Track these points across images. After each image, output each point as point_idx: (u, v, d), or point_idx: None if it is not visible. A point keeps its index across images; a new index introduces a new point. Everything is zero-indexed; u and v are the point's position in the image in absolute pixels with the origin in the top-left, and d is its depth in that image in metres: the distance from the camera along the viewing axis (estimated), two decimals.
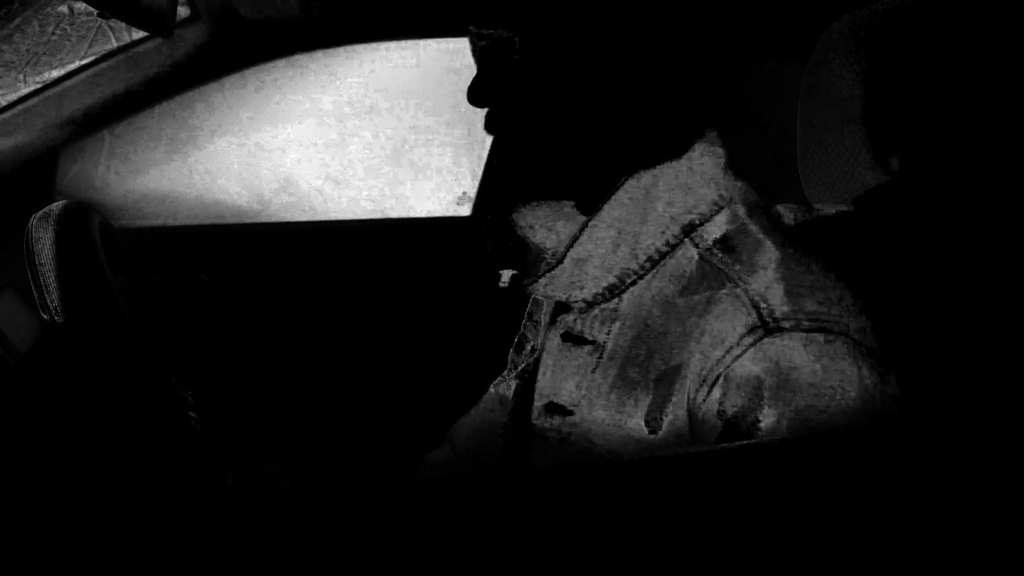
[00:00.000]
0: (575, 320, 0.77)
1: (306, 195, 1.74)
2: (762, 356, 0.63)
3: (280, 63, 1.48)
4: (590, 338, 0.75)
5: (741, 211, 0.72)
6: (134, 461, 0.77)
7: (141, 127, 1.66)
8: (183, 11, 1.07)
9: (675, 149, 0.72)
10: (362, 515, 0.50)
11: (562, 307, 0.80)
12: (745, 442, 0.63)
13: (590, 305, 0.75)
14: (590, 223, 0.73)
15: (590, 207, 0.74)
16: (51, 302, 0.78)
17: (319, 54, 1.63)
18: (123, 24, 1.05)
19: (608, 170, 0.73)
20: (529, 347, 0.85)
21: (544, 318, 0.81)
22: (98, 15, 0.95)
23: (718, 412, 0.65)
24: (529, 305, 0.89)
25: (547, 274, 0.75)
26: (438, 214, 1.72)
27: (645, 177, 0.72)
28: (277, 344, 1.45)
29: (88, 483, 0.77)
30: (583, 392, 0.74)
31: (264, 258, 1.51)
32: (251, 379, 1.38)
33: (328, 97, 1.71)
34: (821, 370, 0.62)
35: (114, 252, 0.88)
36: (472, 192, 1.65)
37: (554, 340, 0.79)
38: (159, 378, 0.79)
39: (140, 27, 1.01)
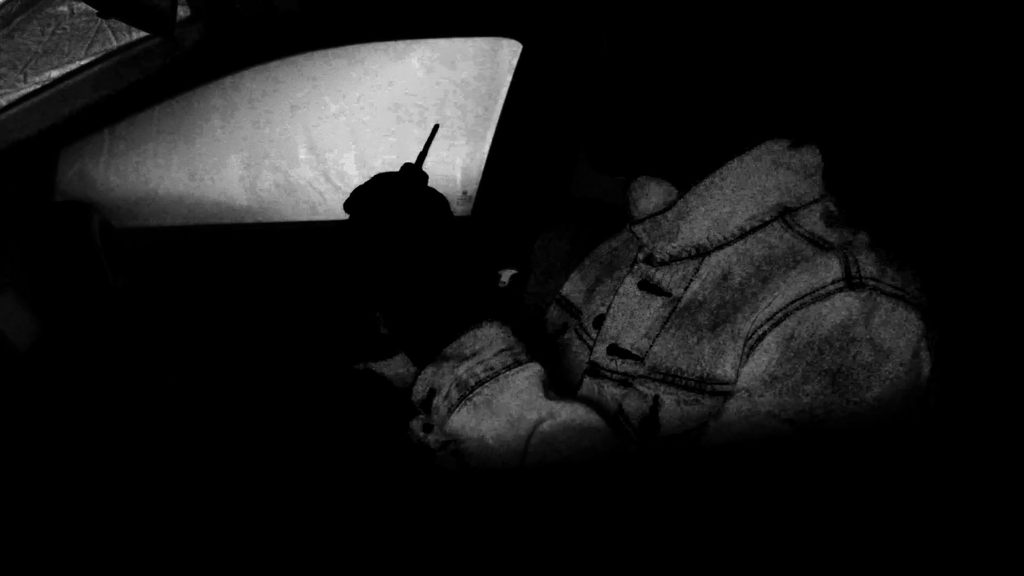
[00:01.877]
0: (655, 271, 0.79)
1: (306, 195, 1.74)
2: (838, 305, 0.65)
3: (280, 63, 1.48)
4: (667, 290, 0.77)
5: (832, 207, 0.75)
6: (134, 461, 0.77)
7: (141, 127, 1.66)
8: (183, 11, 1.07)
9: (779, 135, 0.76)
10: (362, 515, 0.50)
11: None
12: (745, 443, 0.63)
13: (673, 259, 0.78)
14: (700, 185, 0.76)
15: (693, 173, 0.77)
16: (51, 302, 0.78)
17: (319, 54, 1.63)
18: (123, 24, 1.05)
19: (718, 152, 0.76)
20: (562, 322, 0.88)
21: (632, 266, 0.83)
22: (98, 15, 0.95)
23: (768, 352, 0.67)
24: (580, 267, 0.92)
25: (652, 217, 0.78)
26: None
27: (750, 158, 0.75)
28: (276, 344, 1.45)
29: (88, 483, 0.77)
30: (651, 340, 0.76)
31: (264, 258, 1.51)
32: (250, 379, 1.38)
33: (328, 97, 1.71)
34: (887, 330, 0.65)
35: (114, 252, 0.88)
36: (472, 192, 1.65)
37: (631, 286, 0.81)
38: (159, 377, 0.79)
39: (140, 27, 1.01)
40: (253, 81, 1.66)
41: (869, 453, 0.60)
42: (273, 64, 1.36)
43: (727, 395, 0.68)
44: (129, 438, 0.78)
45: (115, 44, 1.08)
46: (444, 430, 0.72)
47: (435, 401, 0.72)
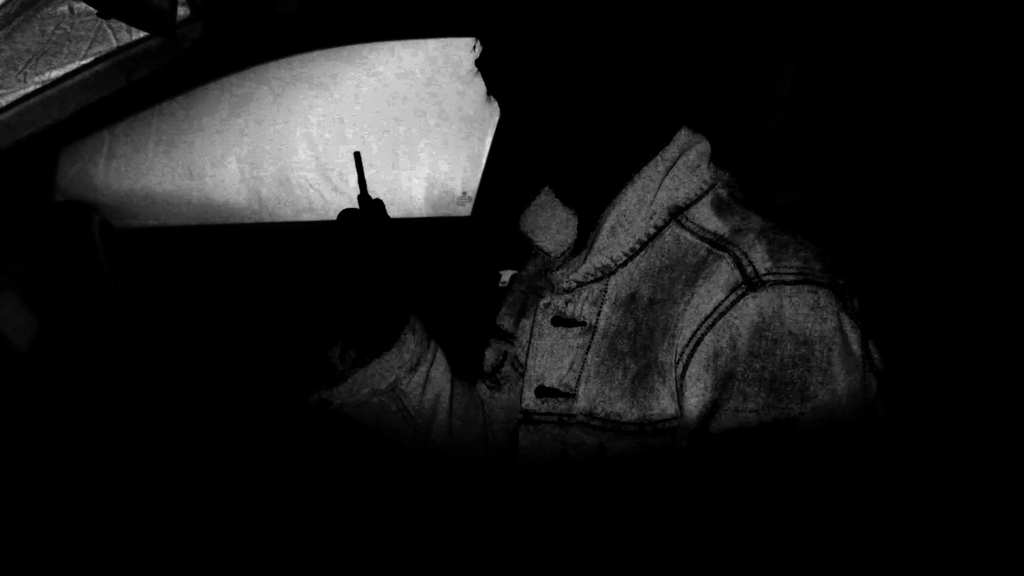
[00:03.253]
0: (565, 304, 0.79)
1: (306, 195, 1.74)
2: (746, 311, 0.65)
3: (280, 63, 1.48)
4: (580, 319, 0.77)
5: (724, 193, 0.75)
6: (134, 461, 0.77)
7: (141, 127, 1.66)
8: (183, 11, 1.06)
9: (660, 144, 0.75)
10: (361, 515, 0.50)
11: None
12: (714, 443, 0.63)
13: (580, 285, 0.77)
14: (602, 215, 0.75)
15: (595, 200, 0.77)
16: (51, 302, 0.78)
17: (318, 54, 1.63)
18: (123, 24, 1.05)
19: (601, 171, 0.75)
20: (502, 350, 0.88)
21: (540, 302, 0.82)
22: (98, 15, 0.95)
23: (700, 371, 0.66)
24: (508, 295, 0.92)
25: (567, 263, 0.78)
26: (438, 214, 1.72)
27: (645, 170, 0.75)
28: (276, 344, 1.45)
29: (88, 483, 0.77)
30: (576, 373, 0.75)
31: (264, 258, 1.51)
32: (249, 378, 1.38)
33: (328, 97, 1.71)
34: (803, 318, 0.64)
35: (114, 252, 0.88)
36: (472, 192, 1.65)
37: (545, 325, 0.80)
38: (159, 377, 0.79)
39: (140, 27, 1.01)
40: (253, 81, 1.66)
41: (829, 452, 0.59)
42: (273, 64, 1.36)
43: (674, 430, 0.67)
44: (129, 438, 0.78)
45: (115, 44, 1.08)
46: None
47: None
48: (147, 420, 0.79)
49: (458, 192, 1.72)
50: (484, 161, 1.57)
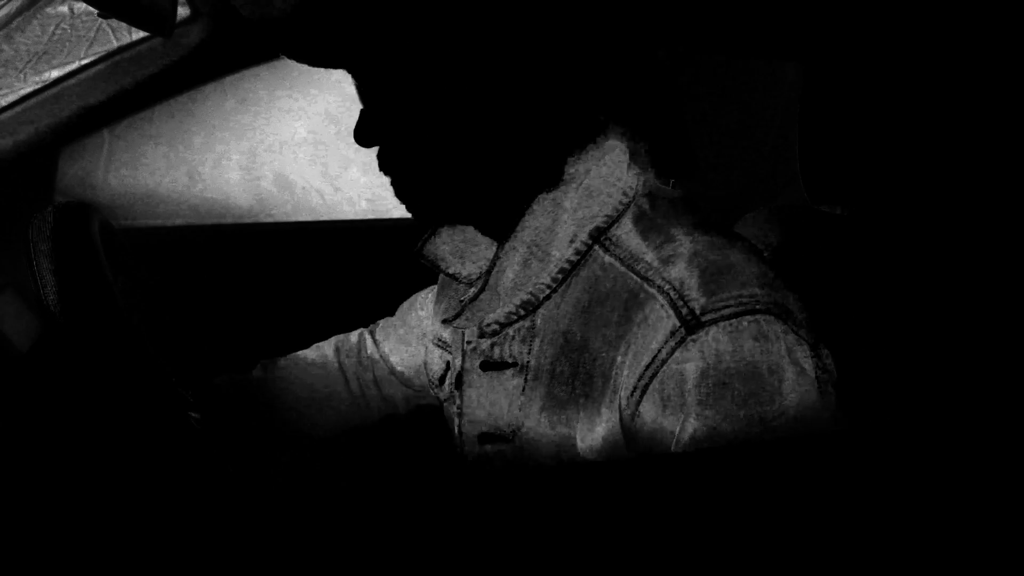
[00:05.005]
0: (491, 346, 0.74)
1: (306, 195, 1.74)
2: (688, 356, 0.61)
3: (280, 63, 1.48)
4: (511, 360, 0.72)
5: (646, 206, 0.70)
6: (134, 461, 0.77)
7: (141, 127, 1.66)
8: (183, 11, 1.06)
9: (568, 155, 0.69)
10: (361, 514, 0.50)
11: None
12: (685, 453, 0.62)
13: (504, 326, 0.72)
14: (505, 244, 0.70)
15: (500, 228, 0.72)
16: (51, 302, 0.77)
17: None
18: (123, 24, 1.05)
19: (506, 189, 0.70)
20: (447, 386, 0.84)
21: (462, 349, 0.77)
22: (98, 15, 0.95)
23: (650, 422, 0.63)
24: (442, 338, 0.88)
25: (470, 306, 0.72)
26: None
27: (551, 190, 0.69)
28: (276, 344, 1.45)
29: (88, 483, 0.77)
30: (516, 415, 0.71)
31: (264, 258, 1.51)
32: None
33: (327, 97, 1.71)
34: (747, 353, 0.61)
35: (114, 252, 0.88)
36: None
37: (474, 373, 0.76)
38: (159, 378, 0.79)
39: (140, 27, 1.01)
40: (253, 81, 1.66)
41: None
42: (273, 64, 1.36)
43: None
44: (129, 438, 0.78)
45: (115, 44, 1.08)
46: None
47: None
48: (147, 420, 0.79)
49: None
50: None
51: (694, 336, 0.61)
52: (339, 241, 1.54)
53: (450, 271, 0.78)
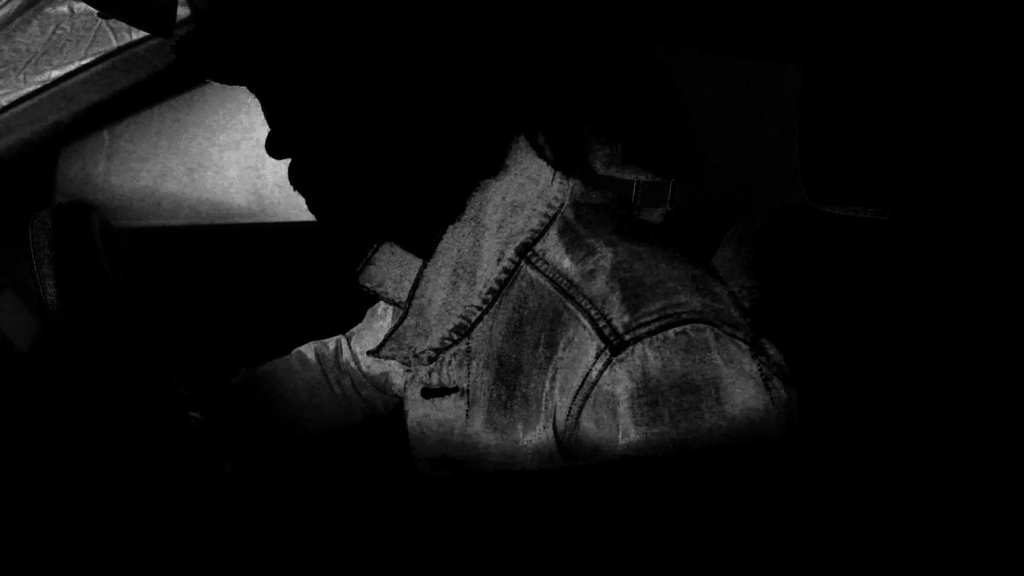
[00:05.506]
0: (429, 373, 0.72)
1: None
2: (616, 377, 0.59)
3: None
4: (451, 386, 0.70)
5: (571, 215, 0.67)
6: (134, 461, 0.77)
7: (141, 127, 1.66)
8: (183, 11, 1.06)
9: (489, 170, 0.66)
10: (360, 513, 0.50)
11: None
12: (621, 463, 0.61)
13: (439, 352, 0.70)
14: (426, 267, 0.67)
15: (422, 249, 0.69)
16: (51, 302, 0.77)
17: None
18: (123, 24, 1.05)
19: (425, 206, 0.67)
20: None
21: (400, 381, 0.76)
22: (98, 15, 0.95)
23: (589, 448, 0.61)
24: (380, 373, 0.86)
25: (392, 335, 0.70)
26: None
27: (470, 207, 0.66)
28: (276, 344, 1.45)
29: (88, 483, 0.77)
30: (463, 441, 0.69)
31: (264, 258, 1.51)
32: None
33: None
34: (678, 366, 0.58)
35: (114, 252, 0.88)
36: None
37: (416, 400, 0.74)
38: (159, 378, 0.79)
39: (140, 27, 1.01)
40: None
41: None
42: None
43: None
44: (129, 438, 0.78)
45: (115, 44, 1.08)
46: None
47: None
48: (148, 420, 0.79)
49: None
50: None
51: (620, 356, 0.59)
52: (338, 241, 1.53)
53: (389, 296, 0.76)
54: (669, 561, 0.48)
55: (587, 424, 0.61)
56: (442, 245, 0.67)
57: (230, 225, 1.68)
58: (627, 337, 0.59)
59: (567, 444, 0.63)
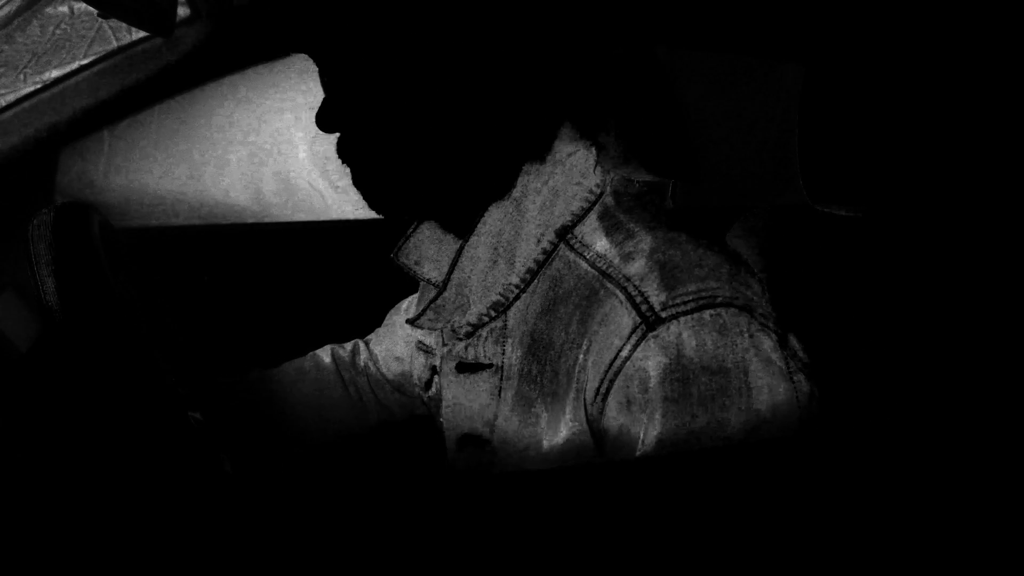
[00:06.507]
0: (466, 348, 0.74)
1: (306, 195, 1.74)
2: (650, 353, 0.60)
3: (280, 63, 1.48)
4: (486, 362, 0.71)
5: (610, 202, 0.69)
6: (134, 461, 0.77)
7: (141, 127, 1.66)
8: (183, 11, 1.06)
9: (533, 154, 0.69)
10: (360, 513, 0.50)
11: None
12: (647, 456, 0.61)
13: (476, 328, 0.72)
14: (467, 243, 0.69)
15: (463, 228, 0.71)
16: (51, 302, 0.77)
17: None
18: (123, 24, 1.05)
19: (468, 188, 0.69)
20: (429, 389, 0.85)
21: (441, 349, 0.77)
22: (98, 15, 0.95)
23: (616, 425, 0.62)
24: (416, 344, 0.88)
25: (431, 305, 0.72)
26: None
27: (514, 190, 0.68)
28: (276, 344, 1.45)
29: (88, 483, 0.77)
30: (491, 419, 0.71)
31: (264, 258, 1.51)
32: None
33: None
34: (711, 347, 0.59)
35: (114, 252, 0.88)
36: None
37: (449, 374, 0.75)
38: (159, 377, 0.79)
39: (140, 27, 1.01)
40: (253, 81, 1.66)
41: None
42: (273, 64, 1.36)
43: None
44: (129, 438, 0.78)
45: (115, 44, 1.08)
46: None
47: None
48: (148, 420, 0.79)
49: None
50: None
51: (655, 332, 0.60)
52: (339, 241, 1.53)
53: (424, 275, 0.77)
54: (682, 547, 0.48)
55: (616, 399, 0.62)
56: (484, 223, 0.68)
57: (230, 225, 1.68)
58: (663, 315, 0.61)
59: (594, 419, 0.64)
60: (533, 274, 0.69)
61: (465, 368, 0.73)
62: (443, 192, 0.70)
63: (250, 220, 1.71)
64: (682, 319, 0.60)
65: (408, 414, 1.06)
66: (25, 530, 0.55)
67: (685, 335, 0.60)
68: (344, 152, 0.71)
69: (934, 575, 0.49)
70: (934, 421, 0.70)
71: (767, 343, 0.61)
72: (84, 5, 1.02)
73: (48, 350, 0.95)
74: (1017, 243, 0.81)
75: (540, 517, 0.50)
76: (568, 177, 0.68)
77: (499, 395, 0.70)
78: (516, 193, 0.68)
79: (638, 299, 0.62)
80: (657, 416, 0.60)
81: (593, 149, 0.70)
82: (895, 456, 0.55)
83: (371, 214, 1.95)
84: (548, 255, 0.69)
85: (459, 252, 0.70)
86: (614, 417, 0.62)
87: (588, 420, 0.65)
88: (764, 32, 0.85)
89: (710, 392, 0.59)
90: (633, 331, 0.61)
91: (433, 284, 0.78)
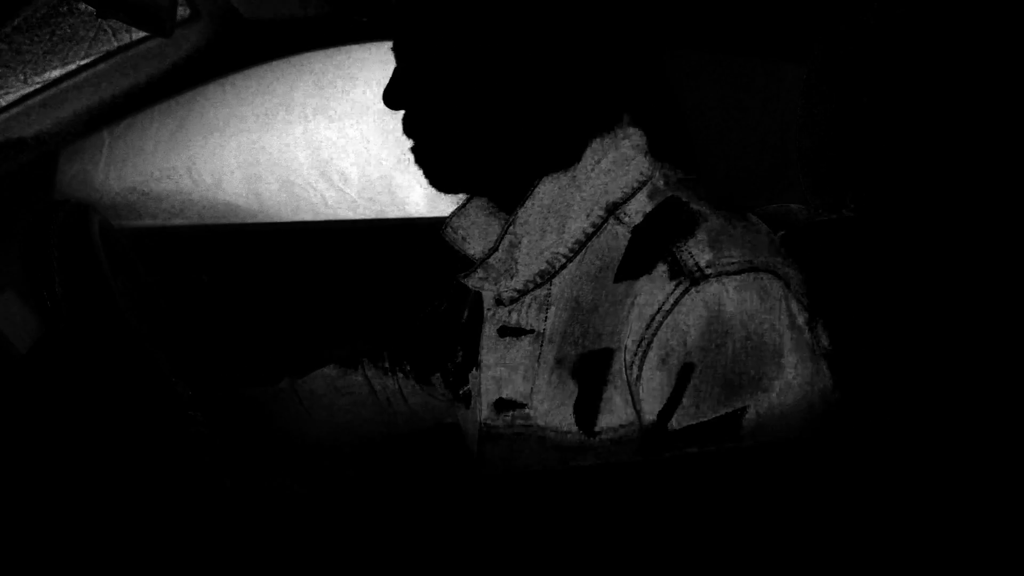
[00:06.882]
0: (509, 312, 0.76)
1: (306, 195, 1.74)
2: (690, 306, 0.63)
3: (280, 63, 1.48)
4: (528, 327, 0.74)
5: (660, 184, 0.72)
6: (134, 461, 0.77)
7: (141, 127, 1.66)
8: (183, 11, 1.06)
9: (602, 130, 0.73)
10: (360, 515, 0.50)
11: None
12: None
13: (522, 294, 0.75)
14: (520, 210, 0.72)
15: (516, 203, 0.74)
16: (51, 302, 0.78)
17: (319, 54, 1.63)
18: (123, 24, 1.05)
19: (528, 164, 0.73)
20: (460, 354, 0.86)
21: (486, 313, 0.80)
22: (97, 15, 0.95)
23: (652, 375, 0.65)
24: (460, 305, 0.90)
25: (483, 264, 0.75)
26: (438, 214, 1.72)
27: (571, 168, 0.72)
28: (276, 344, 1.45)
29: (88, 483, 0.77)
30: (530, 382, 0.73)
31: (264, 258, 1.51)
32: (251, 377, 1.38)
33: (328, 97, 1.71)
34: (750, 308, 0.62)
35: (114, 252, 0.88)
36: None
37: (491, 337, 0.78)
38: (159, 377, 0.79)
39: (140, 27, 1.01)
40: (253, 81, 1.66)
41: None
42: (273, 64, 1.36)
43: (627, 434, 0.66)
44: (129, 438, 0.78)
45: (115, 44, 1.08)
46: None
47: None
48: (148, 420, 0.79)
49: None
50: None
51: (698, 287, 0.63)
52: (339, 241, 1.54)
53: (468, 251, 0.80)
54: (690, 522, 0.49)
55: (656, 352, 0.64)
56: (537, 194, 0.72)
57: (230, 225, 1.68)
58: (708, 271, 0.63)
59: (632, 373, 0.66)
60: (581, 245, 0.72)
61: (507, 332, 0.76)
62: (502, 168, 0.73)
63: (250, 220, 1.71)
64: (725, 278, 0.63)
65: (437, 421, 1.06)
66: (25, 530, 0.55)
67: (728, 291, 0.63)
68: (410, 127, 0.75)
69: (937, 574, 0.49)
70: (934, 421, 0.70)
71: (801, 319, 0.64)
72: (84, 5, 1.02)
73: (48, 350, 0.95)
74: (1017, 243, 0.81)
75: (558, 516, 0.51)
76: (621, 160, 0.72)
77: (538, 360, 0.73)
78: (572, 171, 0.72)
79: (683, 256, 0.65)
80: (693, 366, 0.63)
81: (644, 139, 0.74)
82: (899, 457, 0.55)
83: (371, 214, 1.95)
84: (597, 228, 0.71)
85: (512, 217, 0.73)
86: (652, 368, 0.65)
87: (627, 374, 0.67)
88: (764, 32, 0.86)
89: (745, 351, 0.62)
90: (677, 286, 0.64)
91: (475, 261, 0.80)
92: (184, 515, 0.52)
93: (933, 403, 0.70)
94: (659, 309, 0.64)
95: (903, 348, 0.76)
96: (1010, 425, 0.60)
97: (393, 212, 1.72)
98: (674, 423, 0.63)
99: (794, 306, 0.64)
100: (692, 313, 0.63)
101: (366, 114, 1.72)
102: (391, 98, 0.73)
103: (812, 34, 0.83)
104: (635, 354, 0.66)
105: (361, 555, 0.49)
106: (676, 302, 0.64)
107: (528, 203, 0.72)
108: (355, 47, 1.63)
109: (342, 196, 1.72)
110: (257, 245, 1.53)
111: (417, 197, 1.74)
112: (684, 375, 0.63)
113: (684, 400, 0.63)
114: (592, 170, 0.72)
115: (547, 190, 0.72)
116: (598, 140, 0.72)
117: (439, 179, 0.75)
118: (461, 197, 0.82)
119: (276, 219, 1.72)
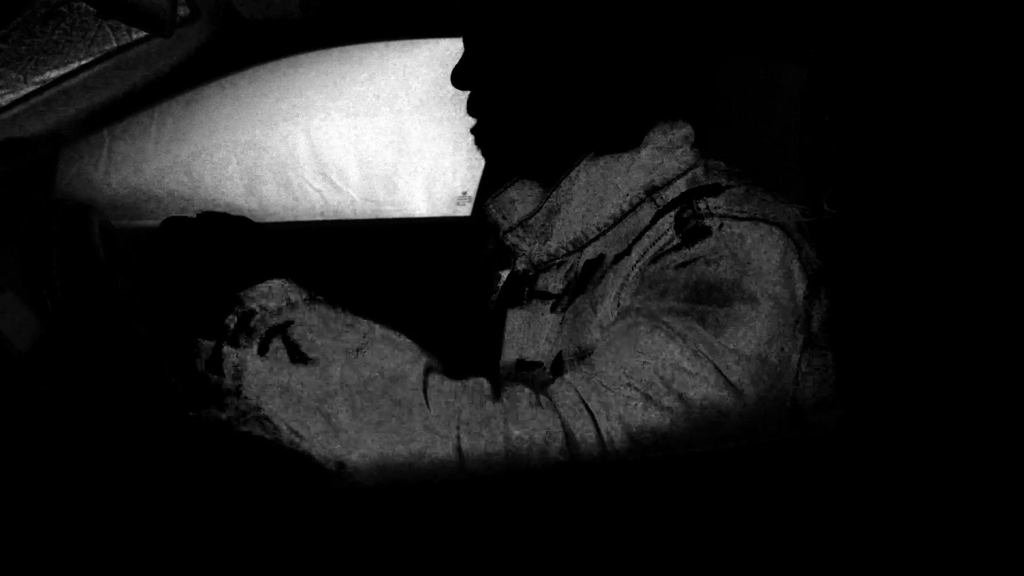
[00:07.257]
0: (539, 277, 0.79)
1: (306, 195, 1.74)
2: (692, 230, 0.66)
3: (280, 63, 1.48)
4: (555, 292, 0.76)
5: (700, 173, 0.75)
6: (134, 460, 0.77)
7: (141, 127, 1.66)
8: (183, 11, 1.06)
9: (648, 122, 0.76)
10: (360, 516, 0.50)
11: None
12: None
13: (552, 259, 0.77)
14: (564, 179, 0.75)
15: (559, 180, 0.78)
16: (51, 303, 0.78)
17: (319, 54, 1.63)
18: (123, 24, 1.05)
19: (587, 147, 0.76)
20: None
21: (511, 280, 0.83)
22: (97, 15, 0.95)
23: (636, 297, 0.67)
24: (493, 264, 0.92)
25: (523, 224, 0.78)
26: (438, 214, 1.72)
27: (624, 152, 0.76)
28: None
29: (88, 483, 0.77)
30: (552, 344, 0.75)
31: (263, 258, 1.51)
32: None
33: (327, 97, 1.71)
34: (748, 246, 0.64)
35: (114, 252, 0.88)
36: (472, 192, 1.65)
37: (519, 299, 0.80)
38: (159, 377, 0.79)
39: (140, 27, 1.01)
40: (252, 81, 1.66)
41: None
42: (273, 64, 1.36)
43: None
44: (129, 438, 0.78)
45: (115, 44, 1.08)
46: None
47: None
48: (148, 420, 0.79)
49: (458, 192, 1.72)
50: (484, 161, 1.57)
51: (704, 223, 0.66)
52: (339, 241, 1.53)
53: (509, 226, 0.82)
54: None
55: (647, 275, 0.67)
56: (581, 168, 0.75)
57: None
58: (716, 211, 0.66)
59: (624, 300, 0.68)
60: (616, 220, 0.74)
61: (533, 296, 0.78)
62: (569, 147, 0.76)
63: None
64: (733, 221, 0.66)
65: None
66: (25, 530, 0.55)
67: (731, 228, 0.65)
68: (475, 108, 0.79)
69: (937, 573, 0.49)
70: (935, 422, 0.70)
71: (797, 276, 0.65)
72: (84, 5, 1.02)
73: (48, 350, 0.95)
74: (1016, 244, 0.81)
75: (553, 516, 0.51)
76: (668, 149, 0.75)
77: (560, 326, 0.74)
78: (618, 153, 0.75)
79: (699, 203, 0.68)
80: (667, 275, 0.65)
81: (692, 133, 0.77)
82: (899, 457, 0.55)
83: (371, 214, 1.95)
84: (633, 208, 0.74)
85: (557, 184, 0.76)
86: (636, 293, 0.67)
87: (618, 303, 0.69)
88: (764, 32, 0.86)
89: (726, 280, 0.63)
90: (685, 222, 0.67)
91: (510, 245, 0.83)
92: (184, 515, 0.52)
93: (933, 403, 0.70)
94: (660, 236, 0.68)
95: (903, 348, 0.76)
96: (1007, 423, 0.60)
97: (393, 212, 1.72)
98: (638, 305, 0.65)
99: (795, 266, 0.65)
100: (694, 247, 0.65)
101: (366, 114, 1.72)
102: (458, 79, 0.77)
103: (812, 34, 0.83)
104: (628, 277, 0.69)
105: (361, 555, 0.49)
106: (678, 232, 0.67)
107: (572, 174, 0.75)
108: (354, 47, 1.63)
109: (342, 196, 1.72)
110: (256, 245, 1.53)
111: (417, 197, 1.74)
112: (656, 278, 0.65)
113: (654, 290, 0.65)
114: (639, 153, 0.74)
115: (592, 167, 0.75)
116: (655, 128, 0.75)
117: (497, 157, 0.79)
118: (460, 197, 0.85)
119: (276, 219, 1.72)
